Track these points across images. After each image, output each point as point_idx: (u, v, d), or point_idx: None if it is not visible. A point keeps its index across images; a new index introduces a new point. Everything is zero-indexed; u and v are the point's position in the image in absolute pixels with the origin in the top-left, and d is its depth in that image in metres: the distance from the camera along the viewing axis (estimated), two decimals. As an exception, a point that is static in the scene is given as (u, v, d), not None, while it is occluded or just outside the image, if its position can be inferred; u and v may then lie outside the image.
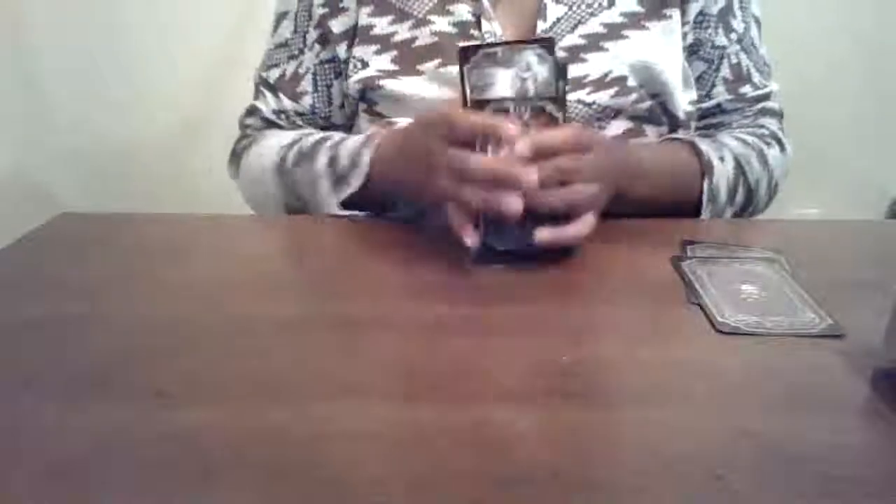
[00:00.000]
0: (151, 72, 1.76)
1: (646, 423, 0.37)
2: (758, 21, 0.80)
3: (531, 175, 0.52)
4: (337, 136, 0.72)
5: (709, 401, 0.40)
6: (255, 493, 0.32)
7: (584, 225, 0.56)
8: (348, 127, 0.82)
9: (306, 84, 0.79)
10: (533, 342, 0.45)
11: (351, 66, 0.75)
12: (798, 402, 0.40)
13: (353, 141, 0.70)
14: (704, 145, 0.74)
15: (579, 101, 0.71)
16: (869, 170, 1.89)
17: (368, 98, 0.75)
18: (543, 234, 0.55)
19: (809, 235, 0.68)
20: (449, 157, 0.55)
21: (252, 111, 0.83)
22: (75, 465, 0.34)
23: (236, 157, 0.82)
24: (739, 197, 0.75)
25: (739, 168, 0.75)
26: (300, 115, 0.80)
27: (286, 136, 0.76)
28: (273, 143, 0.76)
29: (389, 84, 0.72)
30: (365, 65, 0.74)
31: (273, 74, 0.80)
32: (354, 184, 0.67)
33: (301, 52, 0.78)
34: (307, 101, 0.79)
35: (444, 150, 0.56)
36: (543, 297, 0.53)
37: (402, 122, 0.72)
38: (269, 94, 0.80)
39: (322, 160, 0.70)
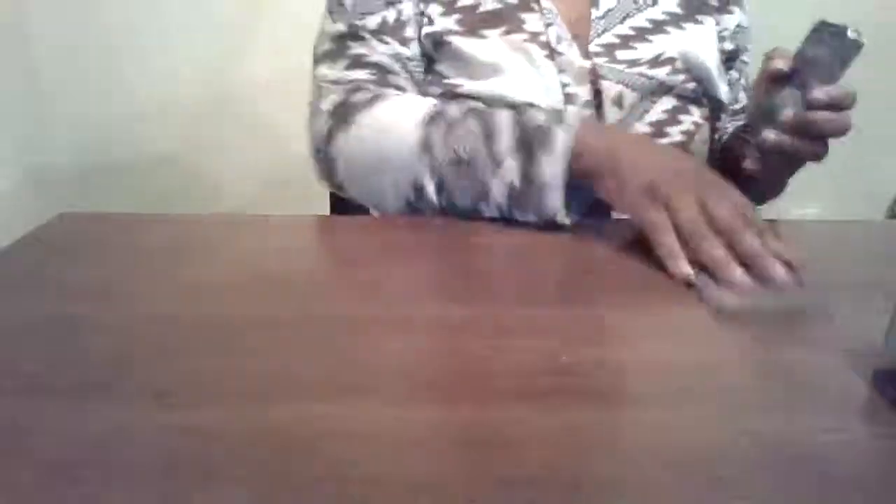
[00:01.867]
0: (151, 72, 1.76)
1: (646, 423, 0.37)
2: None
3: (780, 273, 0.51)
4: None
5: (709, 401, 0.40)
6: (255, 493, 0.32)
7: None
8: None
9: (410, 31, 0.74)
10: (533, 342, 0.45)
11: (419, 22, 0.75)
12: (798, 402, 0.40)
13: (542, 111, 0.64)
14: None
15: (641, 75, 0.75)
16: (869, 170, 1.89)
17: (428, 56, 0.75)
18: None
19: (809, 235, 0.68)
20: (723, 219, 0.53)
21: (356, 62, 0.72)
22: (75, 465, 0.34)
23: (349, 109, 0.68)
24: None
25: None
26: (411, 60, 0.74)
27: (432, 100, 0.69)
28: (421, 100, 0.69)
29: (456, 41, 0.73)
30: (430, 21, 0.74)
31: (372, 21, 0.73)
32: (560, 138, 0.59)
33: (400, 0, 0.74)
34: (415, 47, 0.74)
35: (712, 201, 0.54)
36: (544, 298, 0.53)
37: (473, 86, 0.71)
38: (373, 40, 0.72)
39: (504, 114, 0.63)
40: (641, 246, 0.57)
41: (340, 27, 0.74)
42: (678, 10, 0.79)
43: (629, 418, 0.37)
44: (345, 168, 0.69)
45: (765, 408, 0.39)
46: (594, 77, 0.75)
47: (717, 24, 0.81)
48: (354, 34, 0.73)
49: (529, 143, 0.60)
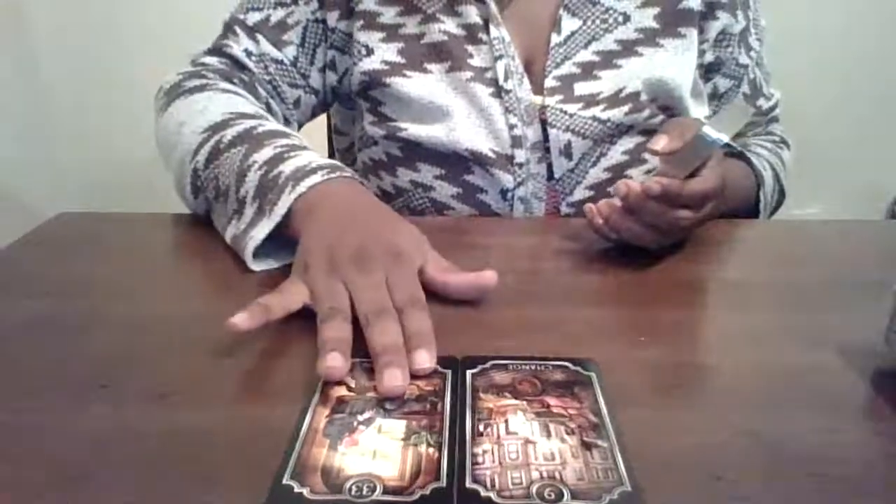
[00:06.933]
0: (152, 72, 1.76)
1: (646, 423, 0.37)
2: (764, 30, 0.81)
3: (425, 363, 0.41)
4: (296, 136, 0.62)
5: (709, 401, 0.40)
6: (255, 493, 0.32)
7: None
8: (323, 94, 0.78)
9: (293, 35, 0.74)
10: (535, 342, 0.45)
11: (355, 51, 0.72)
12: (798, 402, 0.40)
13: (310, 155, 0.57)
14: (753, 157, 0.78)
15: (594, 119, 0.70)
16: (869, 170, 1.90)
17: (372, 97, 0.73)
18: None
19: (810, 235, 0.68)
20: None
21: (216, 50, 0.75)
22: (75, 464, 0.34)
23: (176, 92, 0.70)
24: (774, 201, 0.82)
25: (775, 174, 0.80)
26: (277, 62, 0.74)
27: (245, 105, 0.67)
28: (227, 102, 0.66)
29: (397, 83, 0.70)
30: (370, 51, 0.71)
31: (254, 17, 0.74)
32: (282, 201, 0.53)
33: (294, 2, 0.74)
34: (291, 51, 0.74)
35: (408, 280, 0.47)
36: (548, 298, 0.53)
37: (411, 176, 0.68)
38: (243, 35, 0.74)
39: (266, 152, 0.58)
40: (639, 247, 0.57)
41: (227, 18, 0.76)
42: (654, 25, 0.71)
43: (629, 418, 0.37)
44: (158, 147, 0.71)
45: (765, 408, 0.39)
46: (546, 116, 0.70)
47: (702, 32, 0.74)
48: (230, 26, 0.75)
49: (265, 197, 0.55)
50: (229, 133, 0.61)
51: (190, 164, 0.62)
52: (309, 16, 0.74)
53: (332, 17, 0.73)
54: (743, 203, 0.78)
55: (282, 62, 0.74)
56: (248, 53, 0.74)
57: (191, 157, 0.62)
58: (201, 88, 0.69)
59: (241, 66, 0.74)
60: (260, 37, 0.74)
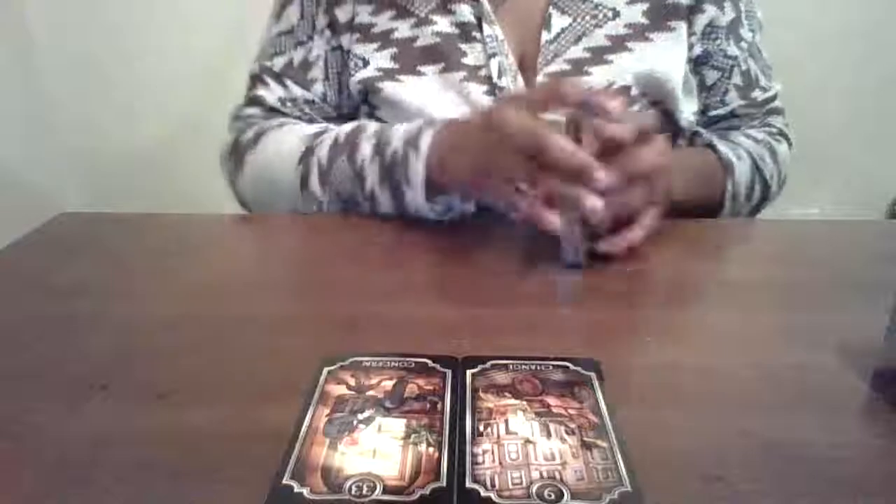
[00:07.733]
0: (151, 71, 1.76)
1: (646, 423, 0.37)
2: (761, 25, 0.81)
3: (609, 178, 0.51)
4: (372, 125, 0.69)
5: (709, 401, 0.40)
6: (255, 492, 0.32)
7: (642, 228, 0.56)
8: (356, 118, 0.79)
9: (317, 71, 0.76)
10: (535, 342, 0.45)
11: (352, 63, 0.74)
12: (798, 402, 0.40)
13: (400, 128, 0.66)
14: (722, 145, 0.76)
15: None
16: (869, 170, 1.89)
17: (370, 101, 0.75)
18: (604, 247, 0.56)
19: (809, 235, 0.68)
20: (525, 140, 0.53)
21: (253, 101, 0.78)
22: (75, 465, 0.34)
23: (240, 150, 0.76)
24: (756, 194, 0.78)
25: (755, 165, 0.77)
26: (309, 102, 0.77)
27: (308, 128, 0.73)
28: (294, 134, 0.72)
29: (388, 87, 0.72)
30: (365, 63, 0.73)
31: (278, 63, 0.77)
32: (415, 169, 0.62)
33: (310, 38, 0.76)
34: (318, 88, 0.77)
35: (521, 166, 0.54)
36: (548, 298, 0.53)
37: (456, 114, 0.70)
38: (273, 83, 0.77)
39: (366, 147, 0.66)
40: (639, 248, 0.57)
41: (255, 68, 0.79)
42: (643, 21, 0.72)
43: (629, 418, 0.37)
44: (251, 203, 0.77)
45: (765, 408, 0.39)
46: None
47: (690, 25, 0.74)
48: (259, 76, 0.78)
49: (392, 176, 0.64)
50: (320, 153, 0.68)
51: (305, 193, 0.69)
52: (326, 46, 0.76)
53: (346, 40, 0.75)
54: (704, 189, 0.74)
55: (313, 102, 0.77)
56: (283, 101, 0.77)
57: (301, 190, 0.69)
58: (261, 136, 0.74)
59: (281, 113, 0.77)
60: (288, 81, 0.77)
